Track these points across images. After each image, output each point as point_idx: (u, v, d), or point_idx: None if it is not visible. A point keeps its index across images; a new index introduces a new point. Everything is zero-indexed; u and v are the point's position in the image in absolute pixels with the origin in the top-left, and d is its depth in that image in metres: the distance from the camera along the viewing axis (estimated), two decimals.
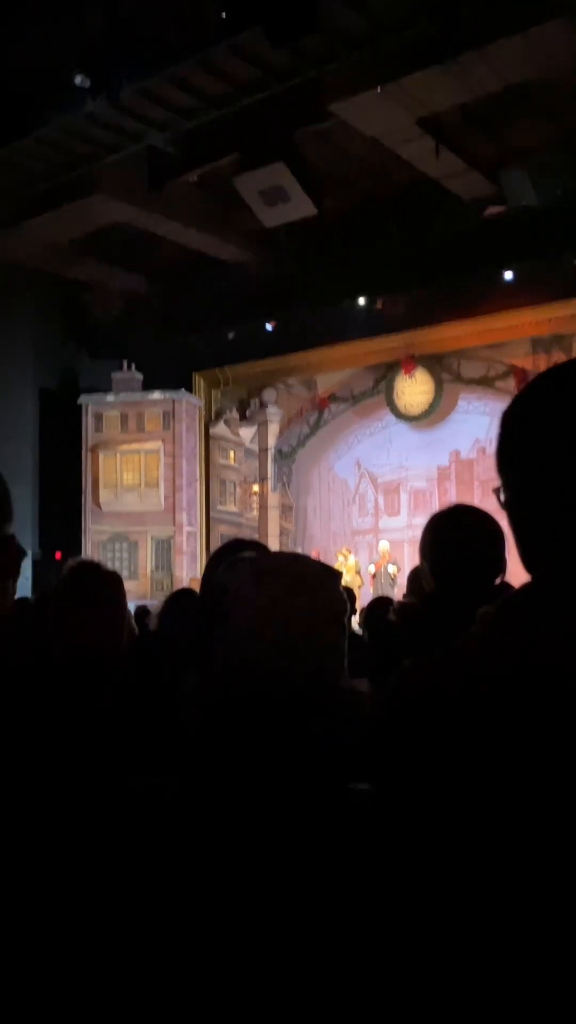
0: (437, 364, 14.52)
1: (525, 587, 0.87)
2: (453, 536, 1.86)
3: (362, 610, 5.35)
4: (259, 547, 1.92)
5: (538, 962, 0.74)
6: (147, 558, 15.17)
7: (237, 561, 1.07)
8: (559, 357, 13.18)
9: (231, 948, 0.96)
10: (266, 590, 1.01)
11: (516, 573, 1.71)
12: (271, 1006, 0.94)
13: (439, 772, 0.80)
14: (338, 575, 1.12)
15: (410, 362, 14.56)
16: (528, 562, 0.89)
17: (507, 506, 0.90)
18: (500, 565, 1.81)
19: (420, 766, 0.82)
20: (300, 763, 0.98)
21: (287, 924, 0.94)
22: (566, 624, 0.79)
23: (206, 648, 1.03)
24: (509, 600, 0.86)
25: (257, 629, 1.00)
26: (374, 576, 13.96)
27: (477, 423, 14.56)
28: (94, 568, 1.87)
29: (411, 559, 14.05)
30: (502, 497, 0.91)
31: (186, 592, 3.49)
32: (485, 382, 14.02)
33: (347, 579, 13.36)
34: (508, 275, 11.93)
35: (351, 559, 14.51)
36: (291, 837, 0.97)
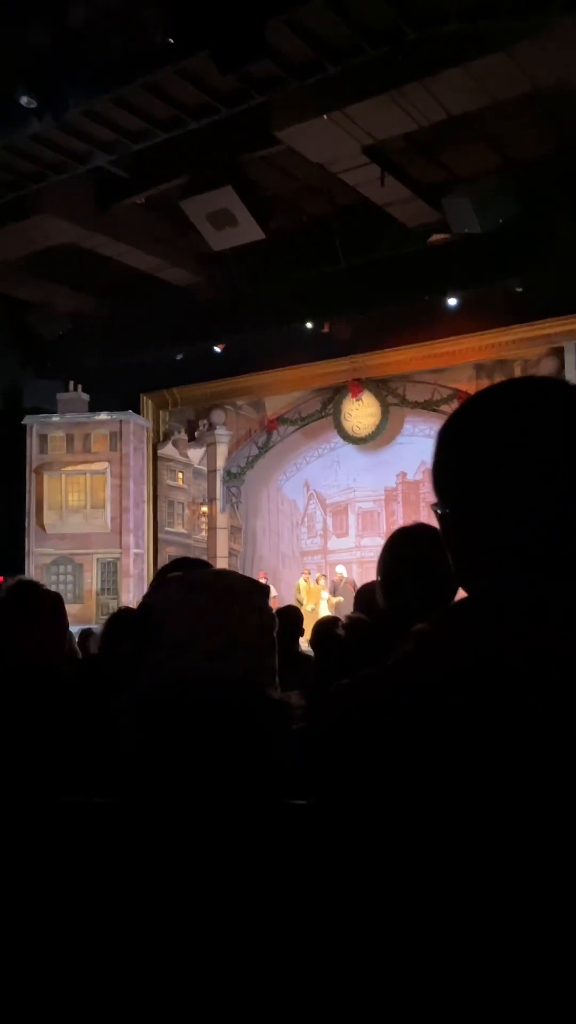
0: (383, 388, 14.72)
1: (460, 603, 0.88)
2: (408, 554, 1.86)
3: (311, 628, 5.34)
4: (204, 565, 1.90)
5: (484, 973, 0.74)
6: (93, 581, 14.97)
7: (166, 580, 1.07)
8: None
9: (164, 963, 0.94)
10: (194, 604, 1.02)
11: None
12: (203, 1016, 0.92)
13: (376, 786, 0.80)
14: (266, 589, 1.12)
15: (357, 385, 14.72)
16: (463, 576, 0.90)
17: (443, 521, 0.91)
18: (453, 585, 1.81)
19: (358, 781, 0.81)
20: (230, 773, 0.97)
21: (221, 937, 0.93)
22: (502, 637, 0.79)
23: (137, 664, 1.03)
24: (444, 615, 0.86)
25: (186, 641, 1.00)
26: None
27: (422, 445, 14.76)
28: (32, 587, 1.83)
29: (359, 580, 14.11)
30: (439, 512, 0.92)
31: (126, 613, 3.46)
32: (430, 406, 14.24)
33: (312, 605, 13.29)
34: (452, 301, 12.17)
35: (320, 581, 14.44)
36: (224, 848, 0.96)
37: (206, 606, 1.02)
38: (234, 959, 0.92)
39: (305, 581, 14.23)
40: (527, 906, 0.71)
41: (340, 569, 14.51)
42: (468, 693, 0.77)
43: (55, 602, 1.89)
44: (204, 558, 16.45)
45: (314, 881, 0.86)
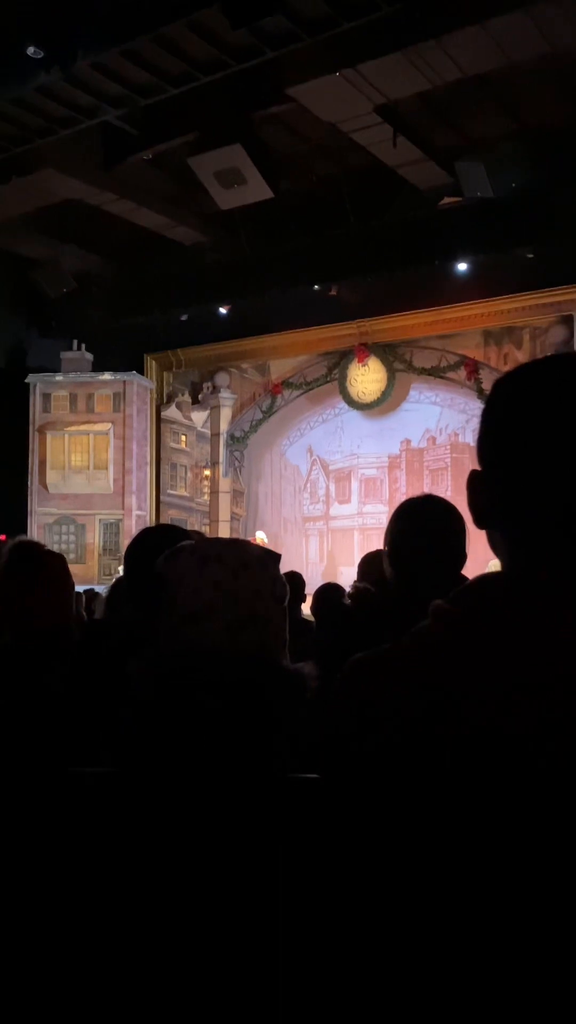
0: (390, 353, 14.59)
1: (480, 579, 0.86)
2: (416, 525, 1.86)
3: (312, 595, 5.36)
4: (182, 533, 1.88)
5: (483, 961, 0.74)
6: (95, 541, 15.00)
7: (179, 549, 1.06)
8: (510, 350, 13.37)
9: (171, 932, 0.95)
10: (210, 575, 1.02)
11: (473, 568, 1.70)
12: (206, 990, 0.93)
13: (389, 767, 0.79)
14: (278, 557, 1.12)
15: (363, 350, 14.60)
16: (493, 543, 0.88)
17: (477, 481, 0.87)
18: (460, 557, 1.82)
19: (369, 760, 0.81)
20: (246, 744, 0.98)
21: (229, 907, 0.94)
22: (525, 617, 0.78)
23: (151, 633, 1.03)
24: (463, 592, 0.84)
25: (202, 612, 1.00)
26: None
27: (428, 413, 14.69)
28: (35, 548, 1.81)
29: (360, 547, 14.13)
30: (475, 470, 0.88)
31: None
32: (437, 372, 14.13)
33: None
34: (462, 267, 12.02)
35: None
36: (233, 818, 0.96)
37: (222, 577, 1.02)
38: (235, 936, 0.93)
39: None
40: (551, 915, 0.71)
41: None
42: (484, 676, 0.76)
43: (59, 563, 1.87)
44: (207, 522, 16.45)
45: (325, 859, 0.86)
